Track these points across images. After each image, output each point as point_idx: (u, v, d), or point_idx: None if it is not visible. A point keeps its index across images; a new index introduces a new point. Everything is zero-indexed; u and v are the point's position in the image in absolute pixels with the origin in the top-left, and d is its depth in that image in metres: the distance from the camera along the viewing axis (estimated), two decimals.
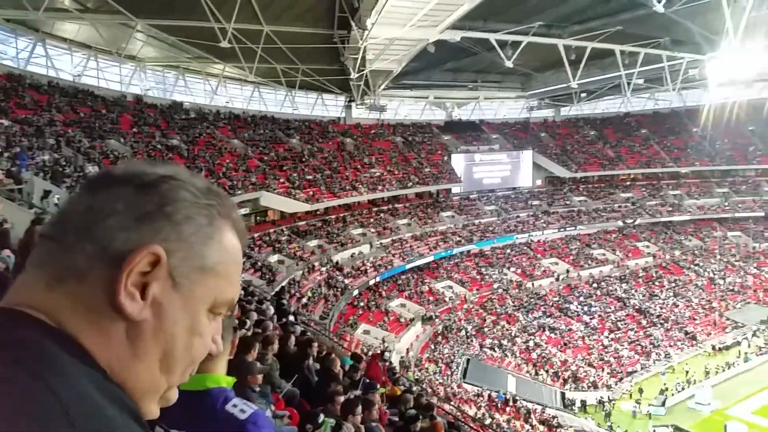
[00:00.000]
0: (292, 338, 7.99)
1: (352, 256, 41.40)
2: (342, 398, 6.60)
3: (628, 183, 63.79)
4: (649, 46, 39.92)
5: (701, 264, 53.47)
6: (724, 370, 37.08)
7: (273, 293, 20.64)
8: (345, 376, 8.49)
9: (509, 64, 36.12)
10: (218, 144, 41.40)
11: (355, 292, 37.82)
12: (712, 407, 32.36)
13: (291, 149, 46.77)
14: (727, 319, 45.45)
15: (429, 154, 55.84)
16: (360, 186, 46.64)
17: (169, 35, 35.68)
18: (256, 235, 38.66)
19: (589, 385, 35.97)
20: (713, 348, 40.84)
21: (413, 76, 49.62)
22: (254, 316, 8.67)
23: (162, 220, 0.73)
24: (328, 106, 54.23)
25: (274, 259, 36.25)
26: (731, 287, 49.97)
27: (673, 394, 34.29)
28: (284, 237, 40.15)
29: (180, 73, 44.70)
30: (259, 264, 34.03)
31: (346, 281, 37.98)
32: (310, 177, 43.93)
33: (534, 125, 66.41)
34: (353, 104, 52.41)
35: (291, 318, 12.90)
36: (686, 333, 42.85)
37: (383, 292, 41.09)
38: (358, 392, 7.96)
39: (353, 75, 38.62)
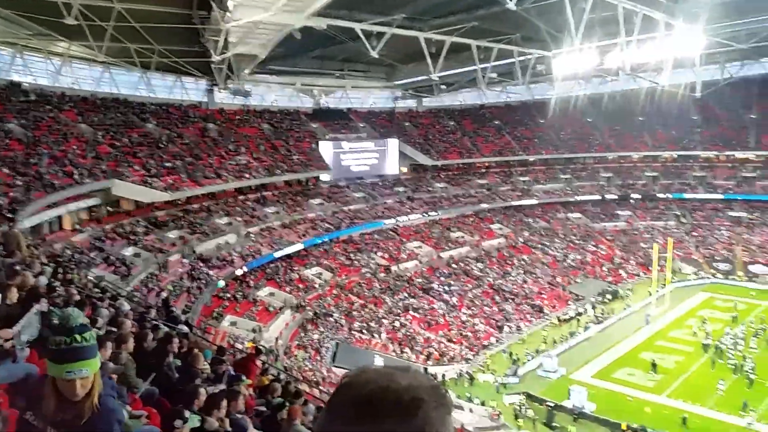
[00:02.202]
0: (150, 335, 7.68)
1: (217, 246, 40.08)
2: (205, 393, 6.51)
3: (483, 170, 68.10)
4: (502, 42, 42.64)
5: (547, 244, 58.76)
6: (567, 339, 41.14)
7: (160, 300, 19.15)
8: (210, 371, 8.34)
9: (374, 54, 36.73)
10: (63, 129, 37.86)
11: (221, 284, 36.71)
12: (558, 374, 35.84)
13: (147, 135, 44.00)
14: (570, 292, 50.52)
15: (297, 142, 55.43)
16: (225, 174, 45.14)
17: (3, 8, 31.72)
18: (107, 227, 36.05)
19: (450, 359, 38.22)
20: (558, 319, 45.16)
21: (280, 61, 48.73)
22: (106, 313, 8.21)
23: None
24: (188, 90, 51.62)
25: (129, 252, 34.07)
26: (573, 264, 55.52)
27: (524, 364, 37.44)
28: (140, 228, 37.83)
29: (18, 50, 39.95)
30: (112, 258, 31.84)
31: (211, 272, 36.75)
32: (169, 164, 41.66)
33: (399, 115, 68.47)
34: (216, 88, 50.42)
35: (183, 327, 12.25)
36: (534, 307, 46.95)
37: (251, 282, 40.32)
38: (222, 385, 7.87)
39: (215, 58, 37.02)
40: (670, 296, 47.51)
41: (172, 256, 36.21)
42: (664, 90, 50.40)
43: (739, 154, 64.10)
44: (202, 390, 6.55)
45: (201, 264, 37.28)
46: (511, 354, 39.19)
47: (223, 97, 52.57)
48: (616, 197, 66.19)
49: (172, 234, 38.93)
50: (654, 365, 35.34)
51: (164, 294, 27.38)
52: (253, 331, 33.68)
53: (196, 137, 47.55)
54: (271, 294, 40.13)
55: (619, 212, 65.36)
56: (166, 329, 9.99)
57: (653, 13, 35.36)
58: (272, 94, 59.48)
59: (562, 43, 37.91)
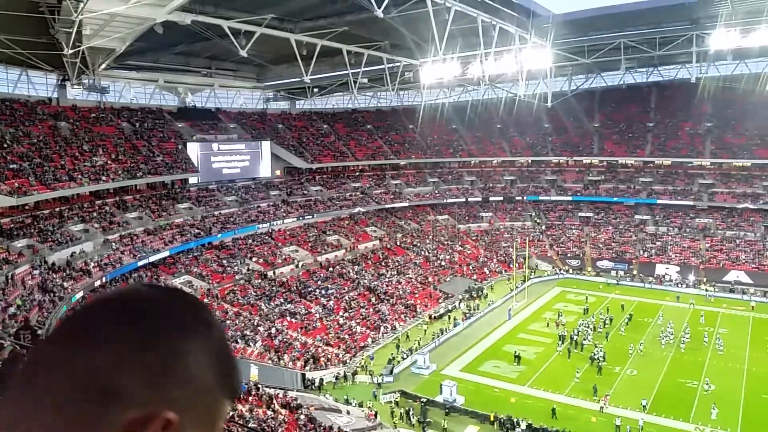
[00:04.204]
0: None
1: (72, 255, 36.76)
2: None
3: (357, 173, 69.11)
4: (372, 48, 43.56)
5: (418, 245, 60.91)
6: (438, 336, 42.82)
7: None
8: None
9: (243, 53, 35.81)
10: None
11: (78, 296, 33.71)
12: (430, 370, 37.21)
13: None
14: (441, 291, 52.70)
15: (161, 142, 52.40)
16: (79, 176, 41.53)
17: None
18: None
19: (327, 362, 38.21)
20: (430, 317, 46.91)
21: (140, 56, 45.78)
22: None
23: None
24: (35, 85, 46.88)
25: None
26: (442, 263, 58.01)
27: (398, 362, 38.41)
28: None
29: None
30: None
31: (66, 284, 33.62)
32: (14, 166, 37.59)
33: (272, 116, 67.41)
34: (68, 83, 46.21)
35: None
36: (407, 306, 48.40)
37: None
38: None
39: (67, 51, 33.97)
40: (528, 291, 51.34)
41: (21, 267, 32.66)
42: (520, 100, 54.39)
43: (585, 160, 70.88)
44: None
45: (54, 275, 33.97)
46: (398, 347, 40.24)
47: (76, 94, 48.30)
48: (479, 200, 70.35)
49: (20, 243, 35.10)
50: (517, 357, 37.93)
51: (12, 310, 24.64)
52: None
53: (46, 136, 43.31)
54: None
55: (482, 214, 69.51)
56: (13, 347, 8.97)
57: (508, 27, 38.13)
58: (132, 90, 55.80)
59: (428, 53, 39.59)
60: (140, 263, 40.31)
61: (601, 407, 31.04)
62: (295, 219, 56.76)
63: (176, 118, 57.31)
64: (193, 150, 54.18)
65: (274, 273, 48.38)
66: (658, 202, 64.14)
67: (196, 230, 47.59)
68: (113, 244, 40.45)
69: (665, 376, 35.09)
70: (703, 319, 44.32)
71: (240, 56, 37.88)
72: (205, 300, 41.55)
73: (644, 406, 30.68)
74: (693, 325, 42.81)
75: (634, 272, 57.78)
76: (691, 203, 62.59)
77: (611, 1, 43.17)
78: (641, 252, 59.96)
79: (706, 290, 52.00)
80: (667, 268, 56.78)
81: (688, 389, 33.24)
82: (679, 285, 53.97)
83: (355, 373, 37.15)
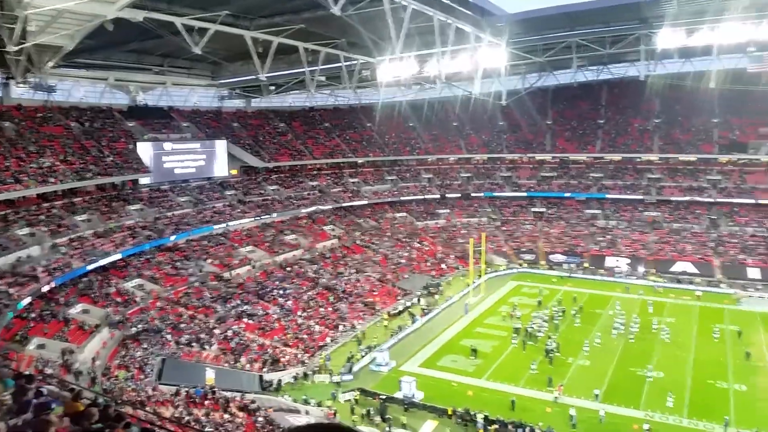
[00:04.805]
0: None
1: (18, 260, 35.40)
2: (5, 427, 5.80)
3: (315, 172, 68.80)
4: (329, 46, 43.39)
5: (377, 242, 61.09)
6: (397, 333, 43.05)
7: None
8: (13, 401, 7.43)
9: (197, 50, 35.15)
10: None
11: (24, 302, 32.47)
12: (390, 367, 37.40)
13: None
14: (399, 288, 52.99)
15: (111, 142, 50.94)
16: (25, 178, 40.03)
17: None
18: None
19: (285, 363, 37.90)
20: (389, 314, 47.12)
21: (89, 54, 44.38)
22: None
23: None
24: None
25: None
26: (401, 260, 58.34)
27: (358, 360, 38.45)
28: None
29: None
30: None
31: (11, 290, 32.33)
32: None
33: (227, 115, 66.43)
34: (12, 82, 44.42)
35: None
36: (366, 304, 48.48)
37: (60, 299, 36.22)
38: (28, 415, 7.07)
39: (11, 48, 32.58)
40: (485, 286, 52.17)
41: None
42: (476, 98, 55.12)
43: (538, 156, 72.43)
44: (1, 424, 5.85)
45: None
46: (359, 343, 40.31)
47: (21, 92, 46.53)
48: (436, 197, 71.06)
49: None
50: (474, 351, 38.50)
51: None
52: (65, 353, 30.31)
53: None
54: (85, 311, 36.43)
55: (439, 210, 70.25)
56: None
57: (464, 26, 38.61)
58: (81, 89, 54.02)
59: (385, 51, 39.73)
60: (90, 267, 39.09)
61: (556, 397, 31.82)
62: (251, 219, 56.08)
63: (127, 118, 55.80)
64: (145, 150, 52.84)
65: (230, 274, 47.70)
66: (608, 196, 66.09)
67: (148, 232, 46.47)
68: (62, 247, 39.14)
69: (617, 366, 36.22)
70: (651, 309, 45.98)
71: (194, 54, 37.16)
72: (158, 304, 40.71)
73: (596, 396, 31.61)
74: (642, 315, 44.33)
75: (586, 265, 59.38)
76: (640, 197, 64.75)
77: (564, 0, 44.20)
78: (592, 245, 61.67)
79: (655, 281, 53.90)
80: (617, 261, 58.57)
81: (639, 378, 34.41)
82: (629, 276, 55.80)
83: (315, 372, 36.97)
